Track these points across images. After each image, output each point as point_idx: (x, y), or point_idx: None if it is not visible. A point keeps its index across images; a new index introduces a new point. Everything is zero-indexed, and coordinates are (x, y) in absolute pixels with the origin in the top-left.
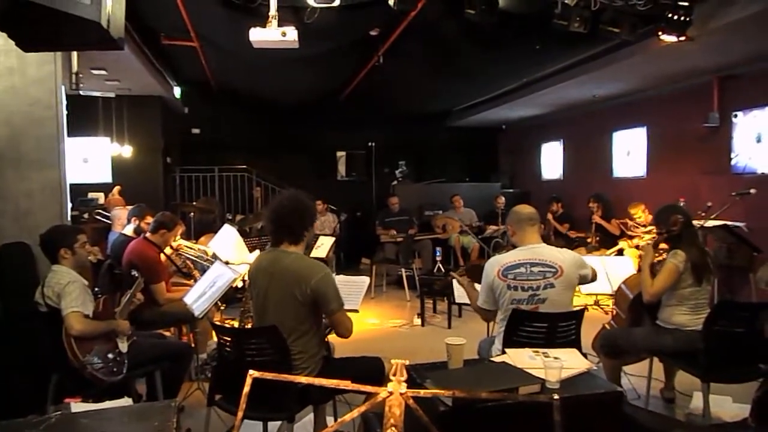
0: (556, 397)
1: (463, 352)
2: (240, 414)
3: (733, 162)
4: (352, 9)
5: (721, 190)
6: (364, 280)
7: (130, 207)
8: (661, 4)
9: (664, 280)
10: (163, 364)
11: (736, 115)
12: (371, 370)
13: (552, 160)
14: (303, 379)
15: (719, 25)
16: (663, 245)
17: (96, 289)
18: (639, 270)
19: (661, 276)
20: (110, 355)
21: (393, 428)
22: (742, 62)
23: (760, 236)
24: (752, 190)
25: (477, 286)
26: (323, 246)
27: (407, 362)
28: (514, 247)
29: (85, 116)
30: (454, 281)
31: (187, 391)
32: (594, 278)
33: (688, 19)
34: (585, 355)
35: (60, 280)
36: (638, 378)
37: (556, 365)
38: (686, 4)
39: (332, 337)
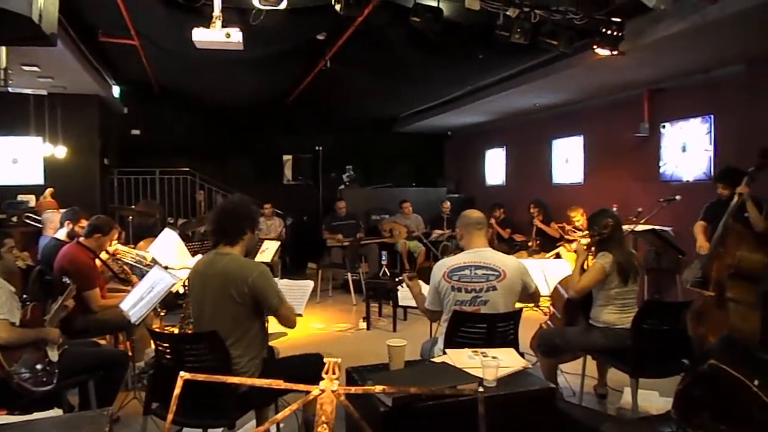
0: (480, 389)
1: (404, 354)
2: (170, 416)
3: (661, 170)
4: (298, 12)
5: (651, 197)
6: (308, 284)
7: (63, 210)
8: (596, 19)
9: (590, 279)
10: (97, 373)
11: (664, 126)
12: (312, 368)
13: (496, 166)
14: (234, 380)
15: (648, 41)
16: (594, 247)
17: (24, 296)
18: None
19: (588, 274)
20: (39, 365)
21: (325, 425)
22: (668, 76)
23: (685, 240)
24: (678, 197)
25: (425, 288)
26: (268, 250)
27: (339, 360)
28: (462, 250)
29: (14, 114)
30: (399, 285)
31: (123, 401)
32: (537, 295)
33: (620, 34)
34: (522, 355)
35: None
36: (573, 375)
37: (493, 364)
38: (619, 20)
39: (276, 342)
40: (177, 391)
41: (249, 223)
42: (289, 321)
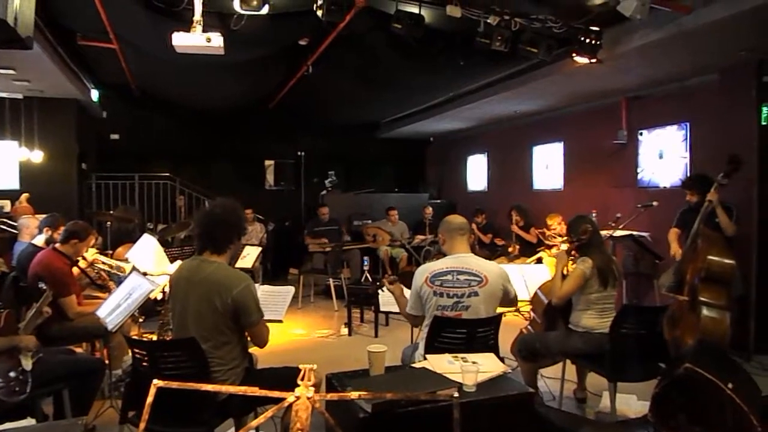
0: (455, 395)
1: (384, 359)
2: (142, 425)
3: (639, 176)
4: (280, 17)
5: (629, 203)
6: (289, 290)
7: (39, 216)
8: (575, 27)
9: (571, 285)
10: (72, 381)
11: (641, 133)
12: (292, 380)
13: (477, 172)
14: (208, 387)
15: (625, 50)
16: (574, 252)
17: None
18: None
19: (569, 281)
20: (12, 374)
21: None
22: (645, 85)
23: (662, 245)
24: (655, 203)
25: (407, 292)
26: (249, 256)
27: (314, 366)
28: (444, 255)
29: None
30: (380, 289)
31: (99, 410)
32: (516, 299)
33: (598, 42)
34: (503, 359)
35: None
36: (553, 380)
37: (473, 369)
38: (597, 29)
39: (255, 349)
40: (150, 399)
41: (238, 232)
42: (261, 339)
